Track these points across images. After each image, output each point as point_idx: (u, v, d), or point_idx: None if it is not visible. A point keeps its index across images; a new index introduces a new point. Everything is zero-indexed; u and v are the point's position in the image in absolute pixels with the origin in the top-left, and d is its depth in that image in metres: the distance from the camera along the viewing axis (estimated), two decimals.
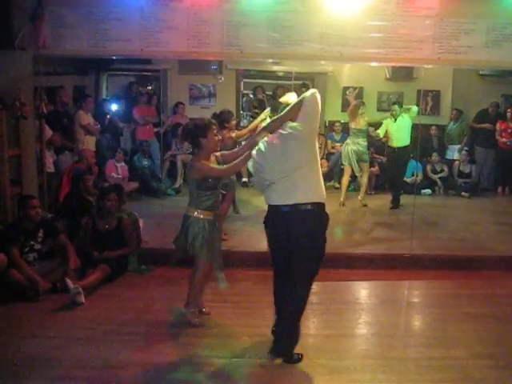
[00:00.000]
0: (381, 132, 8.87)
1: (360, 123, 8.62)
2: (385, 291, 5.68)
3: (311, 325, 4.63)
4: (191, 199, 4.41)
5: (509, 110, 10.16)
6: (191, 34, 6.13)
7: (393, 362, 3.98)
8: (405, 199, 8.74)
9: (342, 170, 9.53)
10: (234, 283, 4.82)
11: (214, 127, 4.36)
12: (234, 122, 6.59)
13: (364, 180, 8.91)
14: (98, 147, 8.69)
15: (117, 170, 8.78)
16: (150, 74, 11.28)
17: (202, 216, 4.33)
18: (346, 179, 8.85)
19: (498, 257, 6.37)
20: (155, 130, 9.85)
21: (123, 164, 8.96)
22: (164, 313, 4.81)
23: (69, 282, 4.94)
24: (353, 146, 8.58)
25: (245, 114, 11.37)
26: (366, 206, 8.78)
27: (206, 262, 4.40)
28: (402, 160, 8.94)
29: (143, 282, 5.63)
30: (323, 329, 4.68)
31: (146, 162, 9.38)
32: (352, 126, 8.71)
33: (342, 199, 8.70)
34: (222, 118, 6.28)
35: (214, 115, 6.47)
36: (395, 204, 8.76)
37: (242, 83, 11.26)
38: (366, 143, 8.72)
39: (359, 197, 8.86)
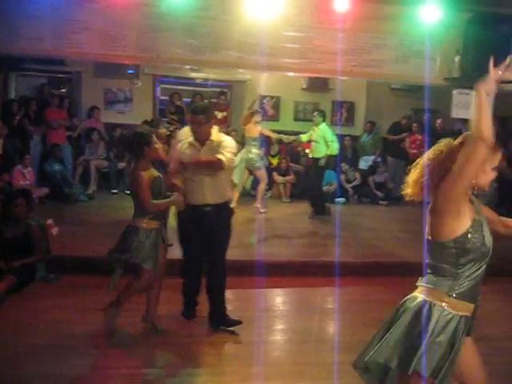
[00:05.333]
0: (304, 138, 8.99)
1: (253, 131, 8.56)
2: (298, 298, 5.76)
3: (224, 333, 4.60)
4: (137, 209, 4.29)
5: (414, 125, 10.67)
6: (107, 35, 5.98)
7: (305, 368, 4.03)
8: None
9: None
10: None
11: (154, 135, 4.33)
12: (163, 131, 6.51)
13: (261, 187, 8.89)
14: (5, 150, 8.25)
15: (24, 176, 8.35)
16: (62, 75, 10.93)
17: (151, 226, 4.25)
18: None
19: (404, 262, 6.60)
20: (67, 133, 9.53)
21: (30, 169, 8.54)
22: (77, 323, 4.61)
23: None
24: (244, 155, 8.55)
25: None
26: (262, 213, 8.75)
27: (150, 271, 4.26)
28: (320, 169, 9.02)
29: (53, 291, 5.38)
30: (236, 336, 4.66)
31: (57, 167, 9.03)
32: (246, 134, 8.69)
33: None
34: (154, 126, 6.17)
35: (146, 122, 6.35)
36: (320, 211, 8.83)
37: (159, 89, 11.12)
38: (258, 151, 8.68)
39: (256, 204, 8.82)
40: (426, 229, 2.55)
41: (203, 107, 4.61)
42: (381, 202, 10.47)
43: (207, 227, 4.44)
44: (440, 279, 2.48)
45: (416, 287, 2.60)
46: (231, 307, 5.04)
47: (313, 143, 8.87)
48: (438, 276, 2.49)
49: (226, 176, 4.58)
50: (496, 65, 5.52)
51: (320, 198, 9.07)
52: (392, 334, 2.50)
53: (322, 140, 8.70)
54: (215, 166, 4.28)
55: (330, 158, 8.86)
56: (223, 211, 4.53)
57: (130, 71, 10.35)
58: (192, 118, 4.38)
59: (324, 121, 8.83)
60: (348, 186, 10.57)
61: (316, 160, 8.87)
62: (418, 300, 2.50)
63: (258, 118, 8.58)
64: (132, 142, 4.27)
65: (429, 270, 2.55)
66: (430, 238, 2.54)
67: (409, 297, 2.59)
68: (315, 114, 8.96)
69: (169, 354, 4.18)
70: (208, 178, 4.36)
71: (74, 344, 4.21)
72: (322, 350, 4.39)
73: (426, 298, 2.47)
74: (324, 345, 4.54)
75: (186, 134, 4.52)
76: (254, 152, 8.56)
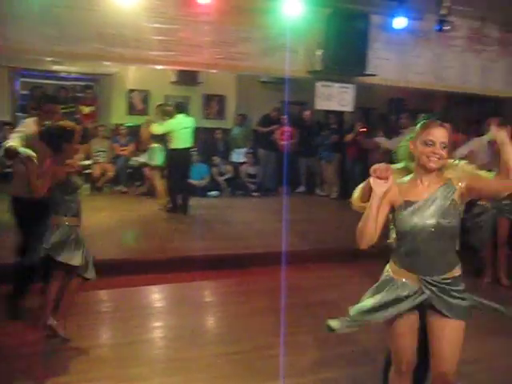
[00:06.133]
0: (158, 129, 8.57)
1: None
2: (172, 294, 5.68)
3: (97, 335, 4.44)
4: (57, 207, 4.10)
5: (284, 117, 10.97)
6: None
7: (181, 364, 3.97)
8: (192, 202, 8.88)
9: (130, 173, 9.44)
10: None
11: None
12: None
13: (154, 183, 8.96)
14: None
15: None
16: None
17: (72, 223, 4.14)
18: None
19: (278, 252, 6.76)
20: None
21: None
22: None
23: None
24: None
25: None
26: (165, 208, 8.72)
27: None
28: (183, 162, 8.70)
29: None
30: (110, 338, 4.51)
31: None
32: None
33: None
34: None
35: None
36: (186, 209, 8.70)
37: (18, 83, 10.43)
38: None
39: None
40: None
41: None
42: (253, 193, 10.65)
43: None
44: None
45: None
46: (106, 308, 4.88)
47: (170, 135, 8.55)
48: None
49: None
50: (356, 59, 5.73)
51: (173, 192, 8.74)
52: None
53: (188, 132, 8.52)
54: None
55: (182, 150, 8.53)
56: None
57: None
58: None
59: (182, 112, 8.54)
60: (220, 179, 10.63)
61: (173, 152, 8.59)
62: None
63: (153, 126, 8.49)
64: (52, 136, 4.09)
65: None
66: None
67: None
68: (168, 106, 8.83)
69: (34, 365, 3.92)
70: None
71: None
72: (198, 345, 4.36)
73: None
74: (200, 339, 4.50)
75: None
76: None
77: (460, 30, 7.40)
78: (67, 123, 4.22)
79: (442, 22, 6.56)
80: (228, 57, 6.31)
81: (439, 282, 2.64)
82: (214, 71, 7.26)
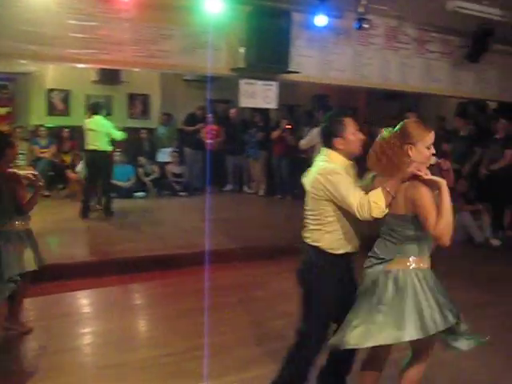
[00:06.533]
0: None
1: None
2: (99, 299, 5.53)
3: (17, 346, 4.24)
4: (4, 213, 3.99)
5: (211, 115, 10.93)
6: None
7: (110, 371, 3.87)
8: (118, 203, 8.69)
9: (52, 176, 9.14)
10: None
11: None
12: None
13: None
14: None
15: None
16: None
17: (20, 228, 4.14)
18: None
19: (204, 252, 6.72)
20: None
21: None
22: None
23: None
24: None
25: None
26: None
27: None
28: (103, 164, 8.34)
29: None
30: (32, 349, 4.32)
31: None
32: None
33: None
34: None
35: None
36: (109, 211, 8.47)
37: None
38: None
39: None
40: None
41: None
42: (180, 193, 10.54)
43: None
44: None
45: None
46: (29, 317, 4.68)
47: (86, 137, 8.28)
48: None
49: None
50: (279, 57, 5.74)
51: (87, 195, 8.42)
52: None
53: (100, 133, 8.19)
54: None
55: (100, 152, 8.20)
56: None
57: None
58: None
59: (97, 113, 8.24)
60: (147, 180, 10.46)
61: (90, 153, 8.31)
62: None
63: None
64: None
65: None
66: None
67: None
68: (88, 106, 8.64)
69: None
70: None
71: None
72: (127, 349, 4.25)
73: None
74: (128, 343, 4.41)
75: None
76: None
77: (378, 28, 7.61)
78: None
79: (360, 20, 6.71)
80: (149, 55, 6.18)
81: None
82: (136, 70, 7.10)
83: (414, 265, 2.78)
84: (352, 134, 3.06)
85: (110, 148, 8.35)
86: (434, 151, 2.76)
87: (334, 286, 3.10)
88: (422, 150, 2.73)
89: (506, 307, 5.38)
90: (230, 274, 6.19)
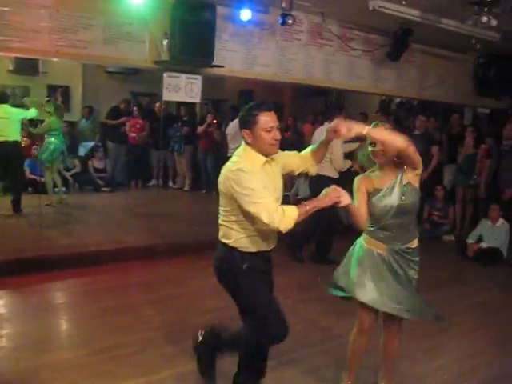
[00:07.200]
0: None
1: None
2: (13, 300, 5.26)
3: None
4: None
5: (135, 108, 10.71)
6: None
7: (24, 375, 3.69)
8: (36, 199, 8.33)
9: None
10: None
11: None
12: None
13: None
14: None
15: None
16: None
17: None
18: None
19: (130, 247, 6.58)
20: None
21: None
22: None
23: None
24: None
25: None
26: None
27: None
28: (11, 156, 7.80)
29: None
30: None
31: None
32: None
33: None
34: None
35: None
36: (17, 208, 7.95)
37: None
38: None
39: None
40: None
41: None
42: (103, 188, 10.26)
43: None
44: None
45: None
46: None
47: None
48: None
49: None
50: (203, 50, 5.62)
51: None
52: None
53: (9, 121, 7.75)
54: None
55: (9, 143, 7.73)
56: None
57: None
58: None
59: (4, 102, 7.77)
60: (67, 175, 10.09)
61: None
62: None
63: None
64: None
65: None
66: None
67: None
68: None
69: None
70: None
71: None
72: (44, 351, 4.07)
73: None
74: (45, 345, 4.21)
75: None
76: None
77: (302, 24, 7.68)
78: None
79: (285, 15, 6.72)
80: (68, 44, 5.93)
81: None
82: (55, 59, 6.78)
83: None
84: (263, 130, 2.89)
85: (19, 138, 7.98)
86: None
87: (251, 274, 3.02)
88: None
89: None
90: (156, 270, 6.08)
